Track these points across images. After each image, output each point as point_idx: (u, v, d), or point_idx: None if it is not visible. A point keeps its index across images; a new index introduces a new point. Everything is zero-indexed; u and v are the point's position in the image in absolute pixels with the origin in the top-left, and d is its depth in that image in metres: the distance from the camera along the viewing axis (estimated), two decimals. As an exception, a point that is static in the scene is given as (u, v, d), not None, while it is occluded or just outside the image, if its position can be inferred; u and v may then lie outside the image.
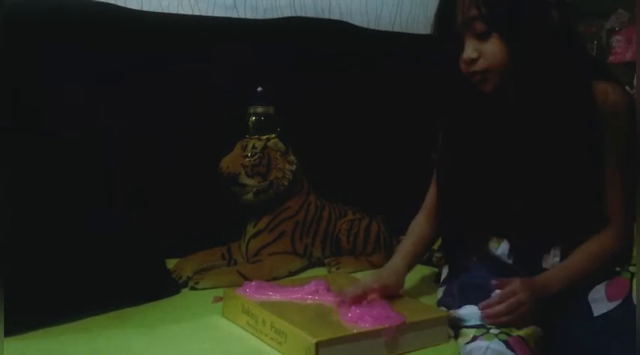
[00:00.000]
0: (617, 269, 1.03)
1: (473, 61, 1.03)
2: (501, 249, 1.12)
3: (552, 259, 1.07)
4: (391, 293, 1.08)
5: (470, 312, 0.99)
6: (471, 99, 1.09)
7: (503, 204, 1.09)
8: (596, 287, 1.01)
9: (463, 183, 1.13)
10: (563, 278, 1.03)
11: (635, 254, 1.05)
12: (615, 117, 1.02)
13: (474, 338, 0.93)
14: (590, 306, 0.99)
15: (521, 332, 0.93)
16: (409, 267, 1.18)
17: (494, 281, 1.01)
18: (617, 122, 1.02)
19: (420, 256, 1.24)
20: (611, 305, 0.98)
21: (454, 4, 1.02)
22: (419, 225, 1.23)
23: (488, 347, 0.90)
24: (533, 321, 0.97)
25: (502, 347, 0.90)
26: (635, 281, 1.00)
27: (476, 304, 0.99)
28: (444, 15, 1.05)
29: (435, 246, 1.49)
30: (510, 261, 1.11)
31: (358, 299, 1.02)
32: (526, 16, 1.00)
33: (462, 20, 1.02)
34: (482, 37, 1.01)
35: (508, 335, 0.92)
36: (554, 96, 1.02)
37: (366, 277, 1.13)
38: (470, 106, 1.11)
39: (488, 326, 0.95)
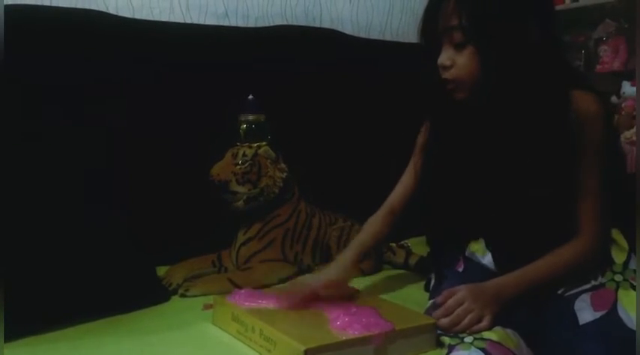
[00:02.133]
0: (603, 280, 1.04)
1: (445, 68, 1.05)
2: (487, 257, 1.13)
3: None
4: (337, 287, 1.13)
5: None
6: (447, 106, 1.11)
7: (483, 211, 1.10)
8: (582, 296, 1.02)
9: (443, 188, 1.15)
10: (519, 283, 1.03)
11: (617, 262, 1.05)
12: (590, 126, 1.03)
13: (451, 348, 0.93)
14: (575, 315, 1.00)
15: (494, 337, 0.93)
16: (354, 262, 1.22)
17: (439, 298, 1.02)
18: (591, 131, 1.03)
19: (370, 250, 1.28)
20: (597, 315, 0.98)
21: (438, 10, 1.05)
22: (374, 222, 1.26)
23: None
24: (493, 324, 0.97)
25: (480, 354, 0.90)
26: (620, 291, 1.01)
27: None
28: (427, 20, 1.08)
29: (425, 254, 1.51)
30: (495, 269, 1.12)
31: (303, 302, 1.07)
32: (504, 31, 1.02)
33: (442, 27, 1.04)
34: (459, 47, 1.04)
35: (483, 340, 0.92)
36: (526, 107, 1.03)
37: (305, 276, 1.19)
38: (447, 113, 1.13)
39: (462, 335, 0.95)
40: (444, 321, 0.98)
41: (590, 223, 1.05)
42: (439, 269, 1.19)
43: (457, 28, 1.02)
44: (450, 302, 1.00)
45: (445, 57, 1.05)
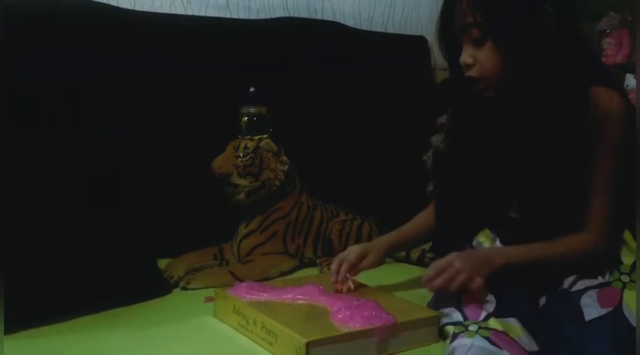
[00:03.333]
0: (610, 279, 1.03)
1: (468, 67, 1.05)
2: (495, 246, 1.13)
3: None
4: (369, 263, 1.17)
5: (449, 311, 1.00)
6: (470, 103, 1.11)
7: (499, 203, 1.10)
8: (588, 292, 1.02)
9: (462, 181, 1.15)
10: (510, 256, 1.04)
11: (626, 263, 1.05)
12: (609, 123, 1.02)
13: (455, 336, 0.93)
14: (582, 311, 0.99)
15: (499, 326, 0.93)
16: (392, 245, 1.24)
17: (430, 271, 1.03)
18: (610, 128, 1.02)
19: (413, 239, 1.29)
20: (603, 312, 0.98)
21: (452, 9, 1.05)
22: (424, 214, 1.28)
23: (472, 345, 0.90)
24: (482, 289, 0.99)
25: (485, 343, 0.90)
26: (625, 291, 1.00)
27: (453, 305, 1.00)
28: (444, 19, 1.08)
29: (427, 247, 1.51)
30: None
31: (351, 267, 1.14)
32: (520, 24, 1.01)
33: (459, 26, 1.04)
34: (478, 44, 1.04)
35: (488, 329, 0.92)
36: (547, 102, 1.03)
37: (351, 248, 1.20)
38: (469, 109, 1.13)
39: (466, 323, 0.95)
40: (438, 281, 1.00)
41: (598, 221, 1.04)
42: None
43: (473, 24, 1.02)
44: (441, 262, 1.02)
45: (466, 55, 1.05)
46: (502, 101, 1.07)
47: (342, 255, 1.18)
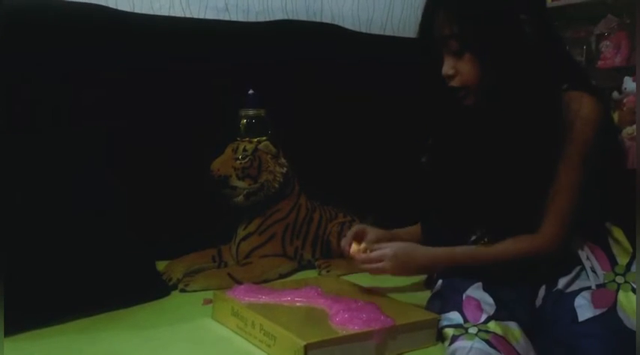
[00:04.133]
0: (604, 281, 1.04)
1: (450, 78, 1.08)
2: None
3: None
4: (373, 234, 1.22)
5: (449, 314, 1.00)
6: (450, 110, 1.14)
7: (479, 205, 1.11)
8: (582, 293, 1.02)
9: (446, 184, 1.17)
10: (437, 257, 1.11)
11: (620, 263, 1.06)
12: (578, 127, 1.02)
13: (454, 339, 0.93)
14: (575, 311, 1.00)
15: (499, 330, 0.93)
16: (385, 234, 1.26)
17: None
18: (578, 132, 1.02)
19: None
20: (597, 312, 0.99)
21: (431, 21, 1.07)
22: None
23: (472, 347, 0.90)
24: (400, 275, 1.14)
25: (485, 346, 0.90)
26: (620, 292, 1.01)
27: (454, 308, 1.00)
28: (423, 31, 1.10)
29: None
30: None
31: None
32: (496, 34, 1.03)
33: (438, 37, 1.07)
34: (458, 55, 1.06)
35: (487, 332, 0.93)
36: (522, 106, 1.04)
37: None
38: (450, 116, 1.15)
39: (466, 326, 0.95)
40: (363, 265, 1.14)
41: (553, 222, 1.05)
42: None
43: (451, 36, 1.05)
44: (376, 254, 1.12)
45: (447, 67, 1.07)
46: (480, 107, 1.09)
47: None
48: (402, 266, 1.11)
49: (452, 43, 1.05)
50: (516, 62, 1.03)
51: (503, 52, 1.03)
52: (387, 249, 1.11)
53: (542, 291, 1.07)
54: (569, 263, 1.07)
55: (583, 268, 1.06)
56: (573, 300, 1.01)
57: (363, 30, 2.02)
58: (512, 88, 1.03)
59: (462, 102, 1.10)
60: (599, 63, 2.31)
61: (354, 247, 1.19)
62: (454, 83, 1.08)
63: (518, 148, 1.04)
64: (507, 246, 1.07)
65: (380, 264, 1.10)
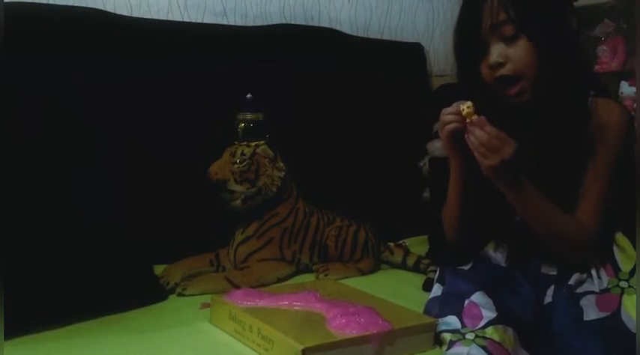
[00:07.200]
0: (608, 286, 1.05)
1: (500, 65, 1.04)
2: (498, 253, 1.14)
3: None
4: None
5: (447, 318, 1.00)
6: (491, 109, 1.06)
7: (507, 214, 1.10)
8: (587, 296, 1.03)
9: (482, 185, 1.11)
10: (527, 182, 1.02)
11: (624, 270, 1.06)
12: (607, 134, 1.03)
13: (451, 344, 0.93)
14: (581, 309, 1.00)
15: (496, 336, 0.93)
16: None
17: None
18: (607, 139, 1.03)
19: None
20: (602, 315, 0.99)
21: (481, 9, 1.04)
22: None
23: (468, 353, 0.90)
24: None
25: (481, 352, 0.90)
26: (624, 297, 1.01)
27: (453, 313, 1.00)
28: (469, 21, 1.06)
29: (423, 253, 1.51)
30: (505, 265, 1.13)
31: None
32: (552, 20, 1.02)
33: (490, 25, 1.03)
34: (509, 41, 1.03)
35: (484, 338, 0.92)
36: (568, 107, 1.03)
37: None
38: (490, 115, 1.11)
39: (463, 331, 0.95)
40: (479, 148, 0.97)
41: (588, 229, 1.06)
42: (442, 269, 1.18)
43: (507, 21, 1.02)
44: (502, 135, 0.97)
45: (496, 54, 1.04)
46: (534, 104, 1.05)
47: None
48: (504, 167, 0.99)
49: (505, 28, 1.02)
50: (569, 49, 1.02)
51: (559, 36, 1.01)
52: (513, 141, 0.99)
53: (550, 290, 1.07)
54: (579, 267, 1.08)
55: (589, 274, 1.07)
56: (579, 300, 1.03)
57: (361, 34, 2.02)
58: (567, 77, 1.02)
59: (516, 99, 1.05)
60: (596, 67, 2.32)
61: (467, 109, 1.00)
62: (504, 71, 1.04)
63: (555, 146, 1.04)
64: (567, 220, 1.05)
65: (494, 146, 0.97)
